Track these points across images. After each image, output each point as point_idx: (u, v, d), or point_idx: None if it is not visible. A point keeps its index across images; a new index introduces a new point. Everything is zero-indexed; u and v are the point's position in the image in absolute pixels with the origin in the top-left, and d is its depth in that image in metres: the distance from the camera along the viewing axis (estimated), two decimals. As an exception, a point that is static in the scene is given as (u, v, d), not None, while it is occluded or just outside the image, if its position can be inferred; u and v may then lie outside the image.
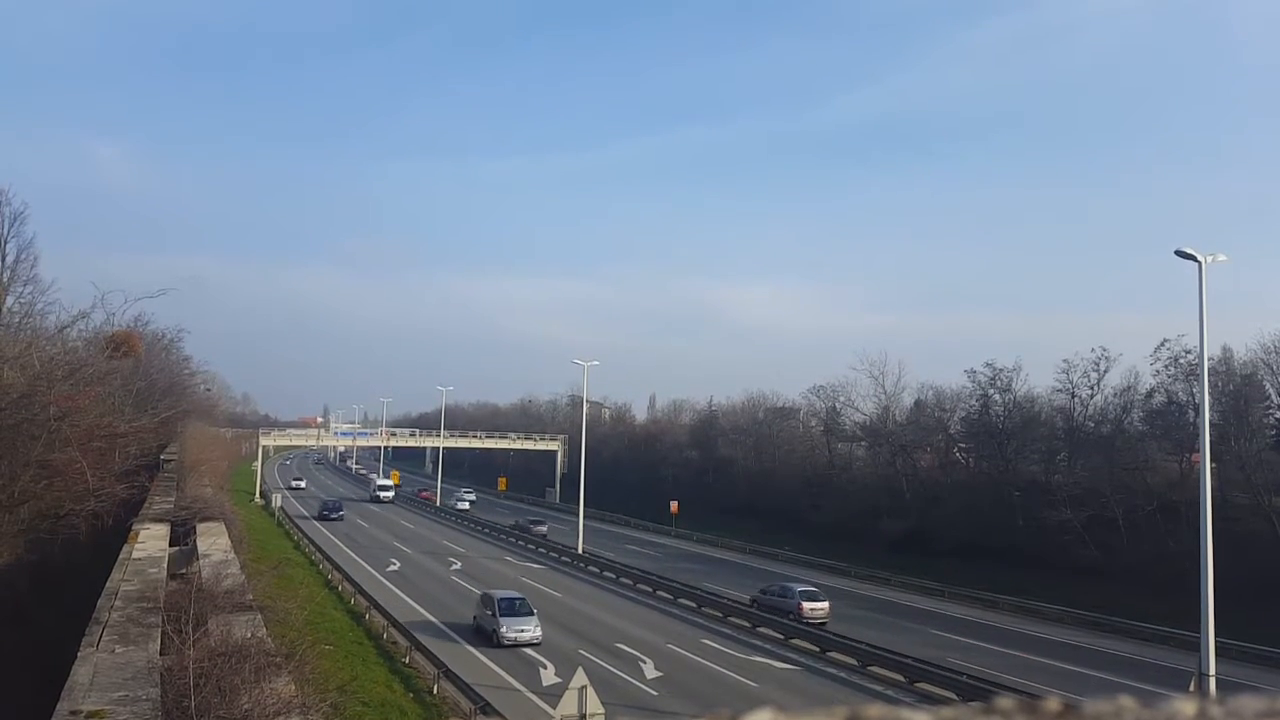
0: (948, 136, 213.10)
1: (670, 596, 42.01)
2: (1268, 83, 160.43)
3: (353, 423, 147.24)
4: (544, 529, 66.15)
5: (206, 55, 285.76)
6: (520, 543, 62.65)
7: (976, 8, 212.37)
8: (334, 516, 70.84)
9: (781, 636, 33.67)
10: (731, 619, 37.01)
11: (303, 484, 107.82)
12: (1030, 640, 35.61)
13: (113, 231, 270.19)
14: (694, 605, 39.82)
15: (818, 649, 31.70)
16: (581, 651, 30.27)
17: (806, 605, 36.49)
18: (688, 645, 32.09)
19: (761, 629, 35.04)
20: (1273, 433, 50.47)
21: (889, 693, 27.01)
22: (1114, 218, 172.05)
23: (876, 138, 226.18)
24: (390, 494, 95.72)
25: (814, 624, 34.93)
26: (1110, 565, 44.93)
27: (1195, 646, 26.75)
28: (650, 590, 43.76)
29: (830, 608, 37.02)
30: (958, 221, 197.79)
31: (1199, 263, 23.99)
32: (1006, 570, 47.78)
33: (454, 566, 50.49)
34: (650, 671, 27.98)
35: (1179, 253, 24.31)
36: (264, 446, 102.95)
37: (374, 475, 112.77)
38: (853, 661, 30.05)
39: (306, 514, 74.21)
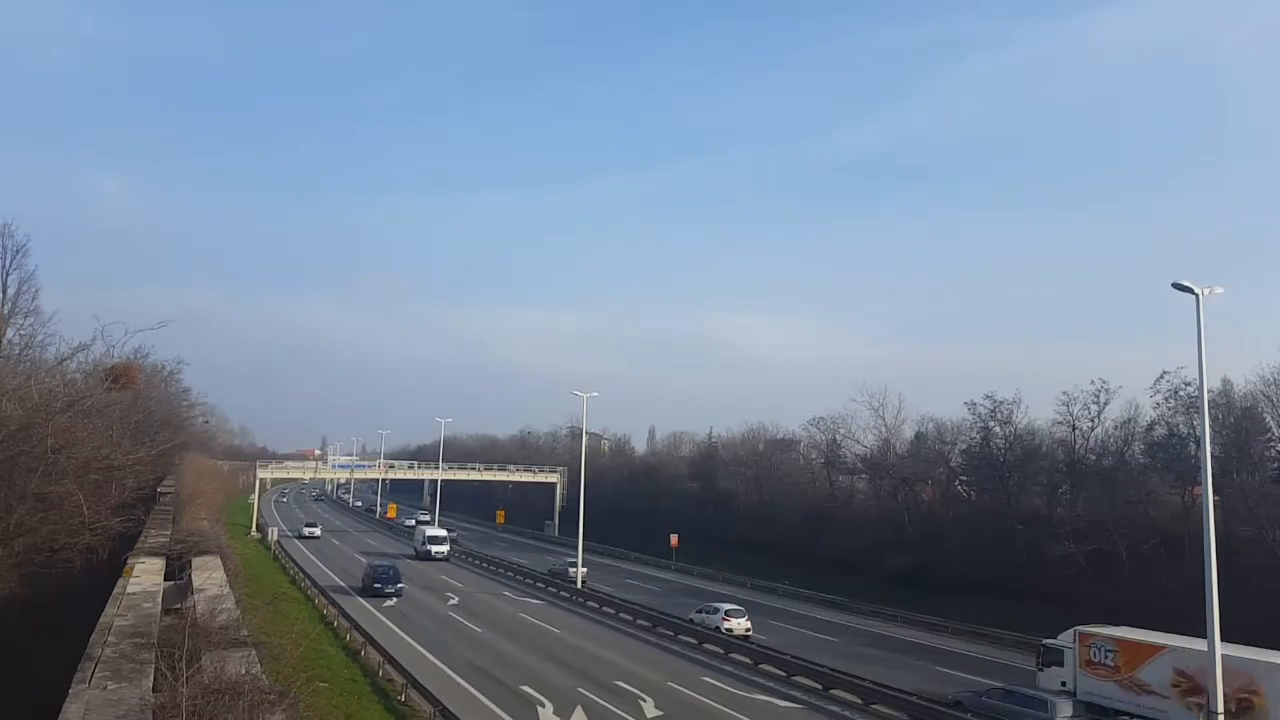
0: (946, 170, 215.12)
1: (671, 632, 41.56)
2: (1266, 119, 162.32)
3: (350, 455, 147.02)
4: (444, 548, 74.10)
5: (207, 90, 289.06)
6: (517, 577, 62.18)
7: (973, 44, 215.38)
8: (389, 590, 50.41)
9: (784, 674, 33.27)
10: (733, 655, 36.61)
11: (316, 531, 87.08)
12: (1032, 676, 35.12)
13: (115, 264, 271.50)
14: (695, 641, 39.40)
15: (820, 686, 31.30)
16: (580, 689, 29.86)
17: (571, 569, 58.21)
18: (688, 683, 31.65)
19: (763, 665, 34.64)
20: (1275, 465, 50.22)
21: (893, 731, 26.57)
22: (1114, 250, 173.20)
23: (874, 171, 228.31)
24: (444, 549, 73.41)
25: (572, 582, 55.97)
26: (1114, 600, 44.41)
27: (1203, 683, 26.36)
28: (650, 626, 43.31)
29: (587, 572, 58.44)
30: (957, 253, 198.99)
31: (1196, 295, 24.02)
32: (1010, 605, 47.30)
33: (451, 602, 49.98)
34: (650, 710, 27.54)
35: (1176, 285, 24.33)
36: (261, 479, 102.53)
37: (406, 516, 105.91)
38: (856, 699, 29.61)
39: (343, 584, 54.24)
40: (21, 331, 37.21)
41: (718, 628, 40.68)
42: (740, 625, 41.40)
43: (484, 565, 69.53)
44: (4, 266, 38.11)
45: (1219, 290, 24.44)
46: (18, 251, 38.23)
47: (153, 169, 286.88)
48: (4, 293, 38.19)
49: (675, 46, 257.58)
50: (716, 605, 43.89)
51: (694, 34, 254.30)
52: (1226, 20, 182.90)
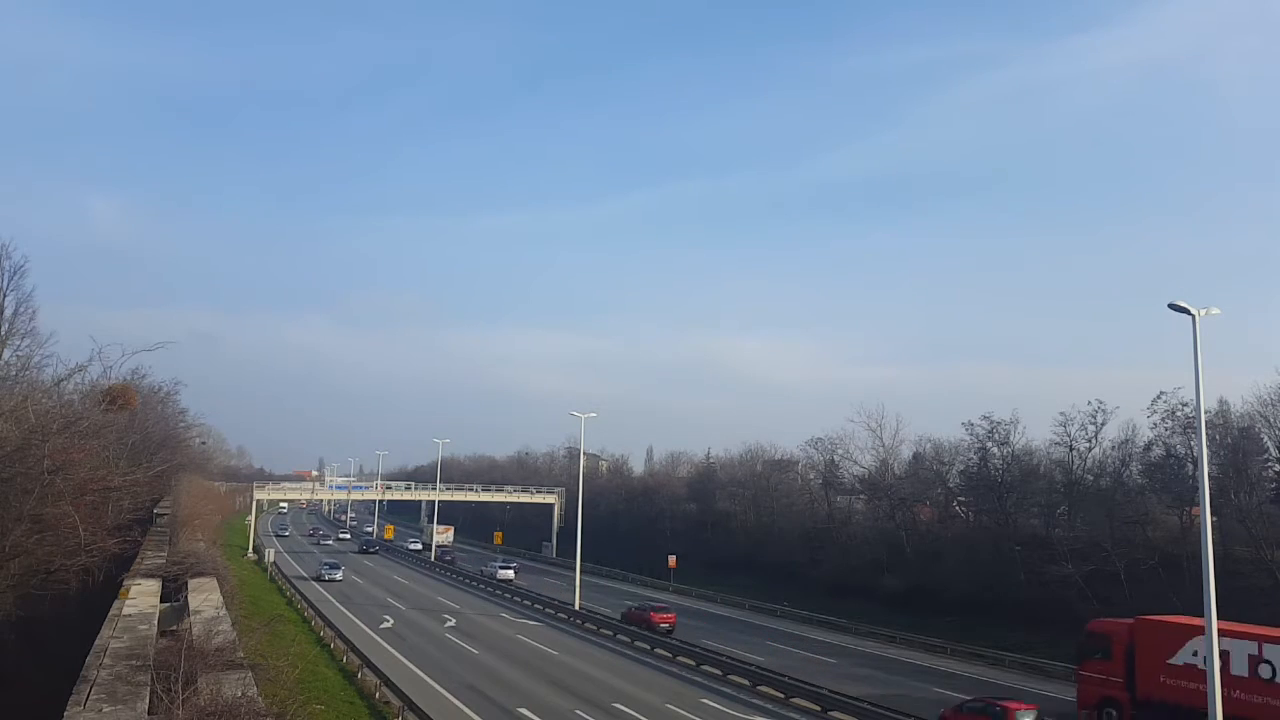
0: (944, 191, 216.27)
1: (669, 654, 41.35)
2: (1259, 142, 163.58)
3: (348, 476, 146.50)
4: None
5: (205, 113, 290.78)
6: (515, 598, 61.87)
7: (966, 66, 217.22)
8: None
9: (782, 696, 33.09)
10: (731, 677, 36.43)
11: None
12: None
13: (113, 286, 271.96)
14: (692, 663, 39.20)
15: (818, 708, 31.13)
16: (578, 711, 29.71)
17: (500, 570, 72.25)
18: (686, 705, 31.47)
19: (761, 687, 34.46)
20: (1272, 485, 50.20)
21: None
22: (1110, 271, 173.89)
23: (872, 193, 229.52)
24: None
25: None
26: (1113, 621, 44.31)
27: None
28: (648, 648, 43.09)
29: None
30: (953, 276, 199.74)
31: (1192, 316, 24.09)
32: (1009, 625, 47.13)
33: (448, 624, 49.72)
34: (648, 732, 27.39)
35: (1172, 306, 24.38)
36: (258, 500, 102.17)
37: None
38: (854, 721, 29.45)
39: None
40: (19, 352, 37.14)
41: None
42: None
43: (481, 586, 69.25)
44: (1, 287, 38.11)
45: (1215, 311, 24.50)
46: (15, 272, 38.19)
47: (152, 192, 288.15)
48: (1, 313, 38.19)
49: (669, 71, 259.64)
50: None
51: (688, 58, 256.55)
52: (1220, 39, 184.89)
